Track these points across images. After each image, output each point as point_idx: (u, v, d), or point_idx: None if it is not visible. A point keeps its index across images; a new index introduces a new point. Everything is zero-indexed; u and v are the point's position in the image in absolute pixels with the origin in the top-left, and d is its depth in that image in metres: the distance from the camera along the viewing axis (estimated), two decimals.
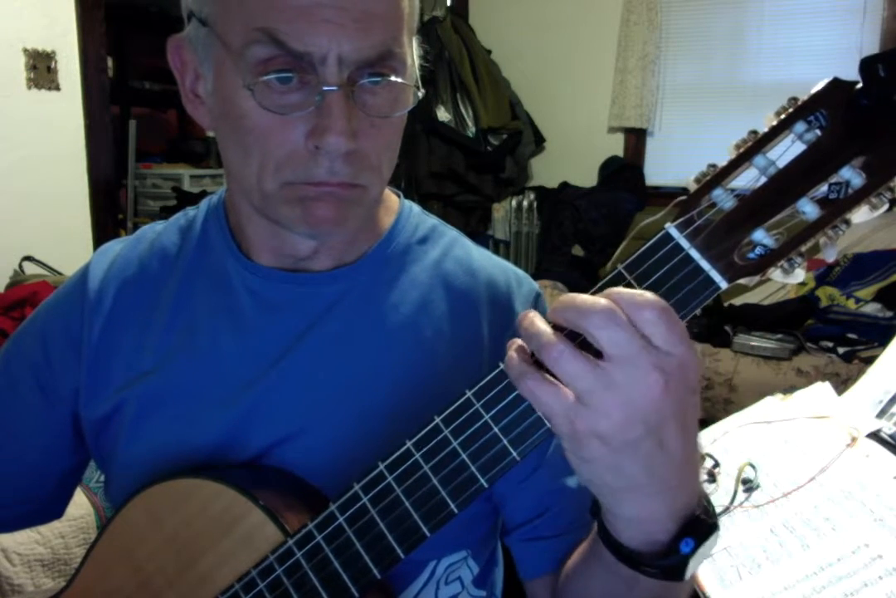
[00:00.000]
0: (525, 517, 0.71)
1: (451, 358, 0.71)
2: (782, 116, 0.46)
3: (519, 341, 0.49)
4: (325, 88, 0.58)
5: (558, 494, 0.71)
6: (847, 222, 0.45)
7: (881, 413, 0.96)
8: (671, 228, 0.48)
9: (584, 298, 0.45)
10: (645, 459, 0.46)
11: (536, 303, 0.76)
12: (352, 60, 0.59)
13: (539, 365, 0.47)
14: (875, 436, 0.91)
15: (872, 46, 3.48)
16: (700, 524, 0.50)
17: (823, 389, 1.04)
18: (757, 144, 0.46)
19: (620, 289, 0.45)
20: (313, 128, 0.60)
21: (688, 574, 0.51)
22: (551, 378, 0.46)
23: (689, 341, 0.45)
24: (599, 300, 0.44)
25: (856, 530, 0.82)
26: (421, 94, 0.65)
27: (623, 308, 0.44)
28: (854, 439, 0.92)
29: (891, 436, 0.91)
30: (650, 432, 0.45)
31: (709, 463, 0.94)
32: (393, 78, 0.62)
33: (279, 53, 0.58)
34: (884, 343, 1.09)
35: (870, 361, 1.19)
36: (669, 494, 0.49)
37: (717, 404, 2.51)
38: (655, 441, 0.46)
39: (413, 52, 0.65)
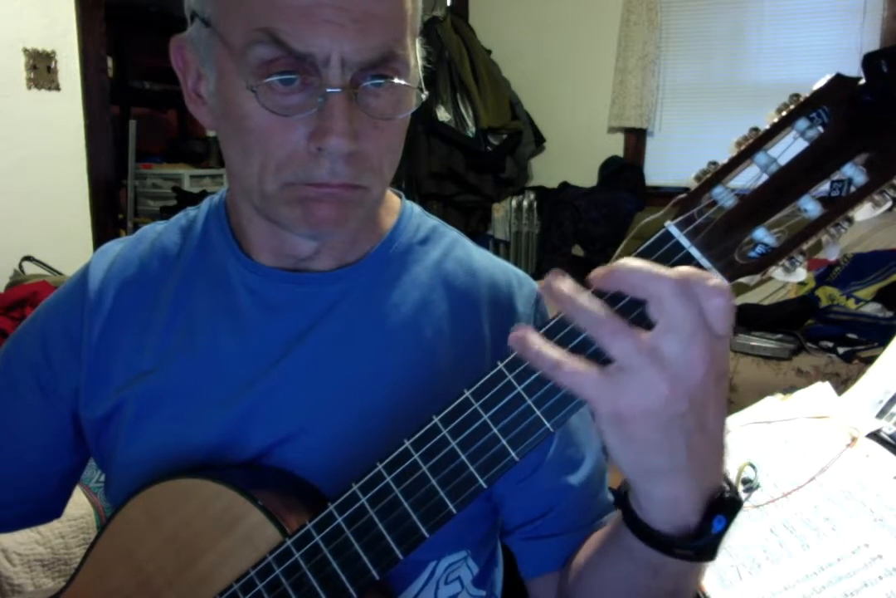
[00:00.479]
0: (527, 517, 0.71)
1: (452, 358, 0.71)
2: (784, 113, 0.45)
3: (535, 332, 0.47)
4: (329, 90, 0.58)
5: (561, 492, 0.71)
6: (849, 220, 0.45)
7: (881, 413, 0.95)
8: (671, 227, 0.47)
9: (654, 265, 0.45)
10: (688, 436, 0.46)
11: (538, 304, 0.76)
12: (354, 62, 0.59)
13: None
14: (875, 436, 0.91)
15: (872, 46, 3.47)
16: (728, 502, 0.51)
17: (823, 389, 1.04)
18: (758, 142, 0.46)
19: (692, 268, 0.45)
20: (315, 129, 0.60)
21: (719, 553, 0.51)
22: (583, 361, 0.46)
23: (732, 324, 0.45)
24: (673, 271, 0.44)
25: (856, 530, 0.81)
26: (424, 96, 0.65)
27: (693, 286, 0.44)
28: (854, 439, 0.92)
29: (891, 436, 0.91)
30: (694, 409, 0.45)
31: None
32: (396, 80, 0.62)
33: (281, 54, 0.58)
34: (884, 343, 1.09)
35: (870, 361, 1.19)
36: (705, 473, 0.49)
37: None
38: (698, 418, 0.46)
39: (416, 54, 0.65)
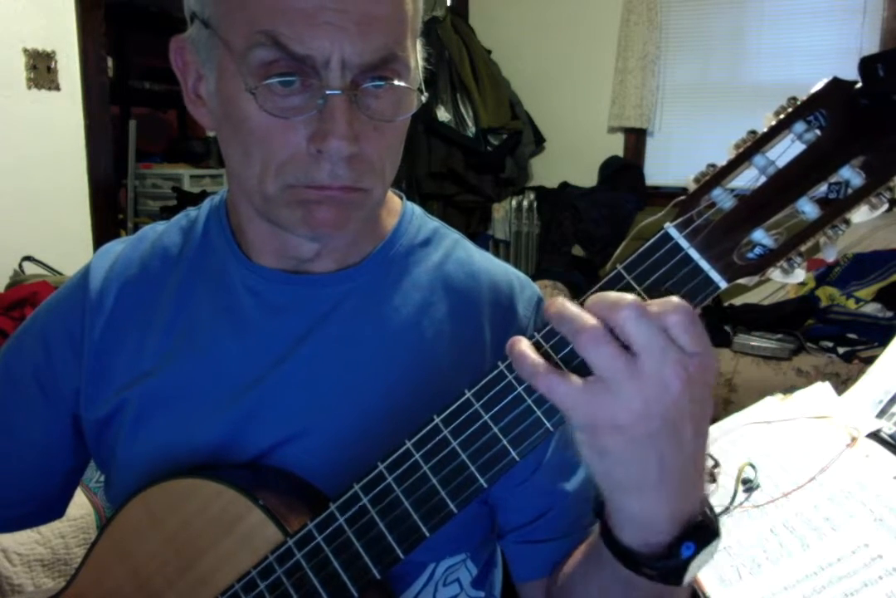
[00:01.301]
0: (522, 520, 0.71)
1: (453, 360, 0.71)
2: (781, 116, 0.46)
3: (524, 340, 0.49)
4: (329, 92, 0.58)
5: (556, 496, 0.71)
6: (847, 222, 0.45)
7: (881, 413, 0.95)
8: (670, 228, 0.48)
9: (614, 293, 0.46)
10: (658, 454, 0.46)
11: (539, 306, 0.76)
12: (355, 64, 0.59)
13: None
14: (875, 436, 0.91)
15: (872, 46, 3.48)
16: (702, 530, 0.50)
17: (823, 389, 1.04)
18: (756, 144, 0.46)
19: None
20: (315, 131, 0.60)
21: (686, 579, 0.51)
22: (562, 371, 0.47)
23: (708, 342, 0.45)
24: (628, 295, 0.45)
25: (856, 530, 0.82)
26: (424, 98, 0.65)
27: (650, 306, 0.45)
28: (854, 439, 0.92)
29: (891, 436, 0.91)
30: (667, 427, 0.45)
31: (709, 463, 0.94)
32: (396, 82, 0.62)
33: (281, 57, 0.58)
34: (884, 343, 1.09)
35: (870, 361, 1.19)
36: (676, 492, 0.49)
37: (717, 404, 2.50)
38: (671, 437, 0.46)
39: (417, 55, 0.65)
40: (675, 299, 0.45)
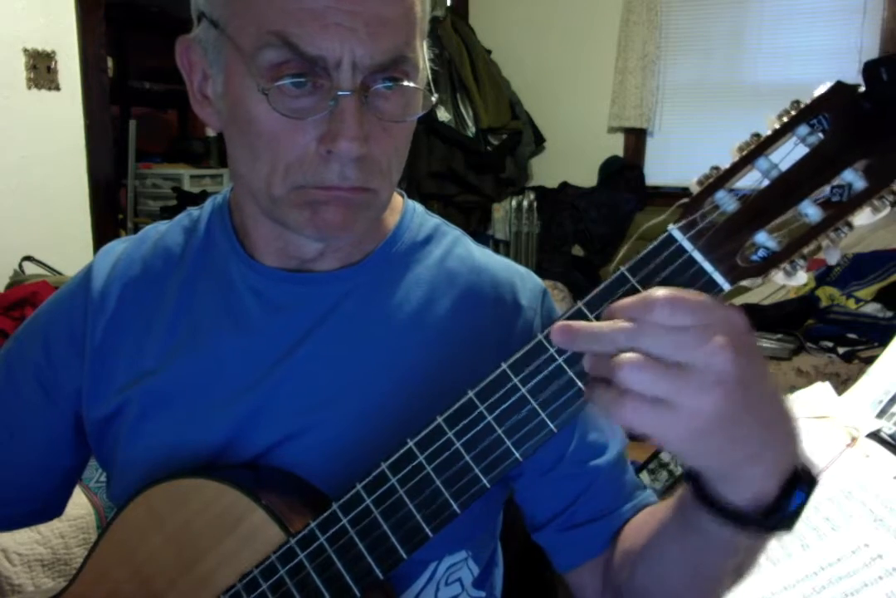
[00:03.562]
0: (558, 507, 0.71)
1: (456, 357, 0.71)
2: (785, 119, 0.46)
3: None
4: (340, 93, 0.58)
5: (589, 476, 0.70)
6: (849, 225, 0.45)
7: (881, 413, 0.96)
8: (674, 231, 0.48)
9: (599, 325, 0.44)
10: (756, 413, 0.45)
11: (543, 299, 0.76)
12: (365, 65, 0.59)
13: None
14: (875, 436, 0.92)
15: (872, 46, 3.47)
16: (805, 476, 0.50)
17: (823, 389, 1.04)
18: (759, 147, 0.46)
19: (622, 301, 0.44)
20: (326, 132, 0.60)
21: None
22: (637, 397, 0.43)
23: (714, 302, 0.44)
24: (616, 323, 0.43)
25: (856, 530, 0.82)
26: (435, 98, 0.65)
27: (636, 317, 0.43)
28: (854, 439, 0.92)
29: (891, 436, 0.91)
30: (748, 388, 0.43)
31: None
32: (406, 83, 0.62)
33: (292, 57, 0.58)
34: (884, 343, 1.10)
35: (870, 361, 1.19)
36: (780, 441, 0.48)
37: None
38: (756, 393, 0.45)
39: (424, 55, 0.65)
40: (652, 294, 0.43)
